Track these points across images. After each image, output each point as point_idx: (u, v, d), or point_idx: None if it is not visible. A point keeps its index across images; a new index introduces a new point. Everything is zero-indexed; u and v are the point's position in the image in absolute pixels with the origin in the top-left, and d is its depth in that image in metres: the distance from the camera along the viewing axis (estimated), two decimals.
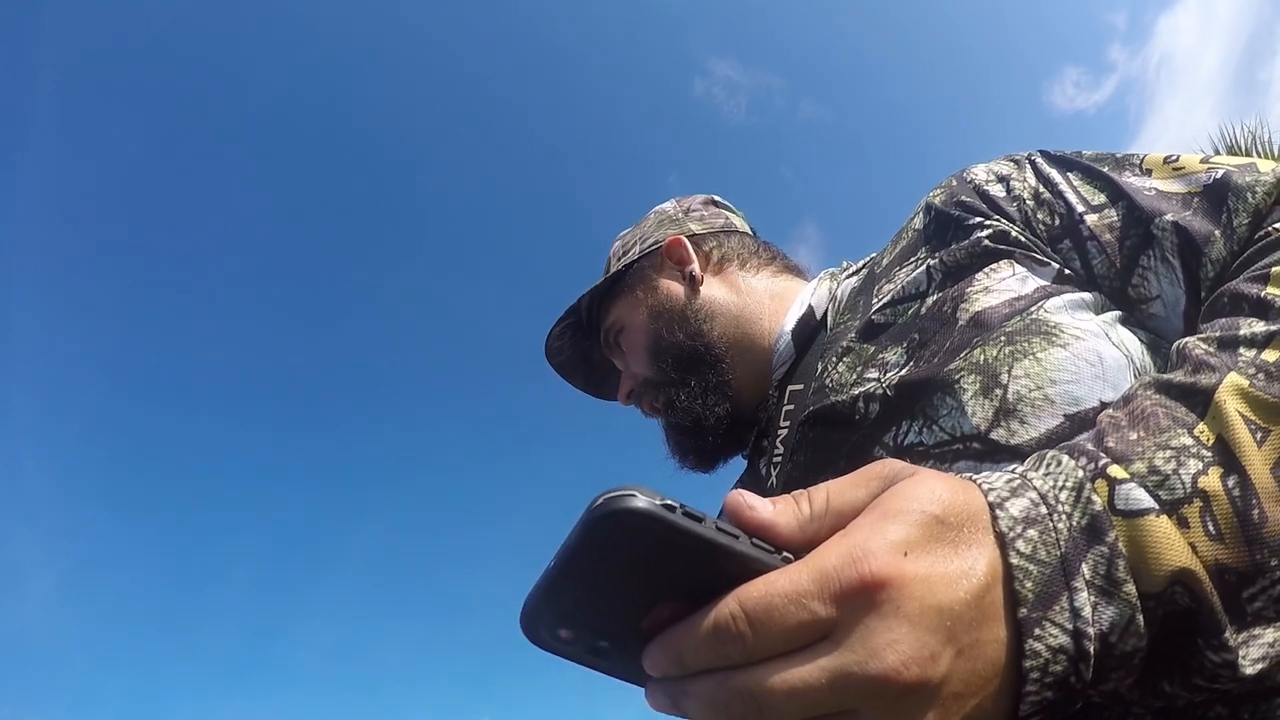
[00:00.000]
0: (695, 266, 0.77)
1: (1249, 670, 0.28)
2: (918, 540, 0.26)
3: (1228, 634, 0.28)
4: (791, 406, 0.62)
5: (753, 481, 0.68)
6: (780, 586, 0.25)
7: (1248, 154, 4.54)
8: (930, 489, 0.28)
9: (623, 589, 0.27)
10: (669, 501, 0.25)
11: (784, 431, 0.61)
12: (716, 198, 0.90)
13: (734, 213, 0.89)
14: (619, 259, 0.84)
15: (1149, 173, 0.53)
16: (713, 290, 0.76)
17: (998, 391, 0.46)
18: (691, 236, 0.80)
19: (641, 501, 0.25)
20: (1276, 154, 4.49)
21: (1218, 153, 4.65)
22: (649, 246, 0.81)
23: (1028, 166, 0.59)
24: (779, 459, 0.60)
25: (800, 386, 0.63)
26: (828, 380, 0.58)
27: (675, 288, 0.77)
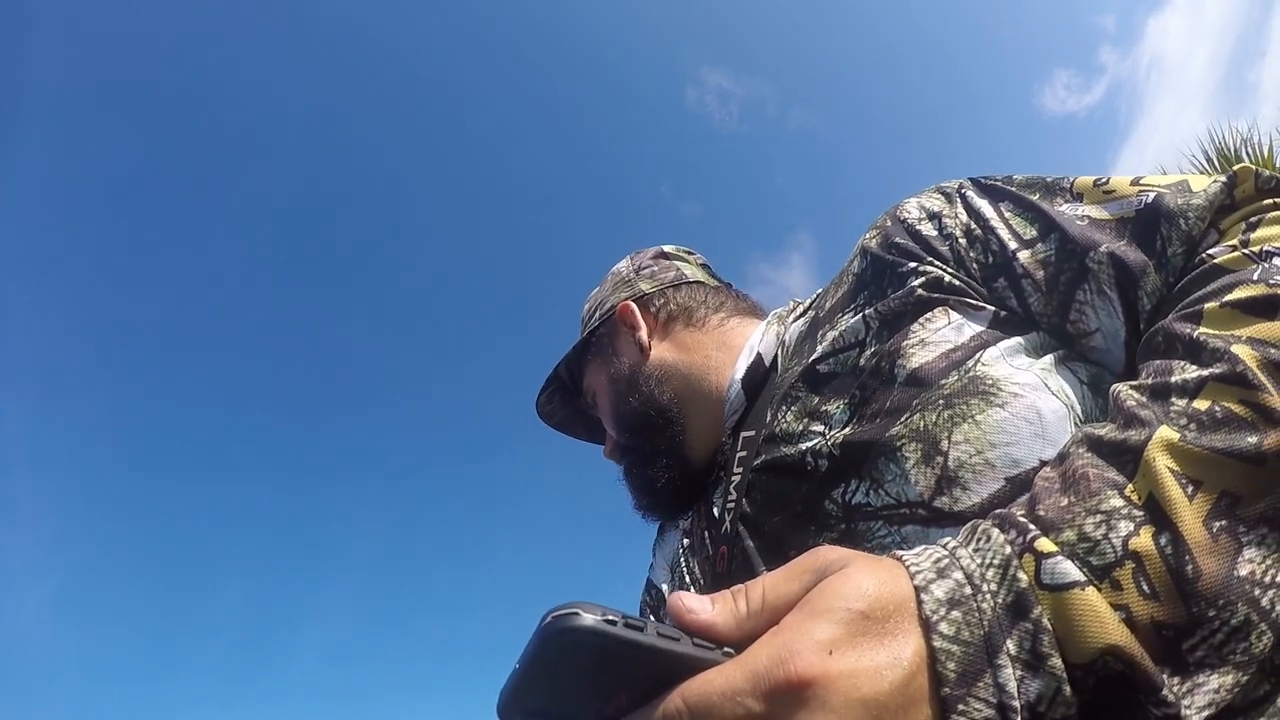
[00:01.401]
0: (644, 333, 0.80)
1: (1195, 718, 0.29)
2: (842, 638, 0.28)
3: (1165, 692, 0.29)
4: (745, 453, 0.64)
5: (709, 526, 0.69)
6: (716, 685, 0.27)
7: (1238, 157, 4.57)
8: (856, 585, 0.30)
9: (580, 689, 0.30)
10: (610, 615, 0.28)
11: (737, 477, 0.63)
12: (667, 248, 0.93)
13: (686, 260, 0.92)
14: (585, 323, 0.89)
15: (1080, 197, 0.53)
16: (662, 353, 0.79)
17: (939, 459, 0.47)
18: (641, 298, 0.84)
19: (585, 620, 0.28)
20: (1266, 156, 4.50)
21: (1207, 158, 4.72)
22: (606, 312, 0.85)
23: (958, 200, 0.59)
24: (733, 504, 0.61)
25: (752, 433, 0.64)
26: (777, 429, 0.59)
27: (628, 354, 0.81)
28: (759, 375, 0.69)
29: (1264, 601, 0.30)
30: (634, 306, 0.82)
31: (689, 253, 0.94)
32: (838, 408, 0.55)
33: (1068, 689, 0.28)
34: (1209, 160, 4.69)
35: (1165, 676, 0.29)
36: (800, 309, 0.73)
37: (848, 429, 0.53)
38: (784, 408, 0.59)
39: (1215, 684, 0.29)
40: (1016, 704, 0.28)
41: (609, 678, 0.29)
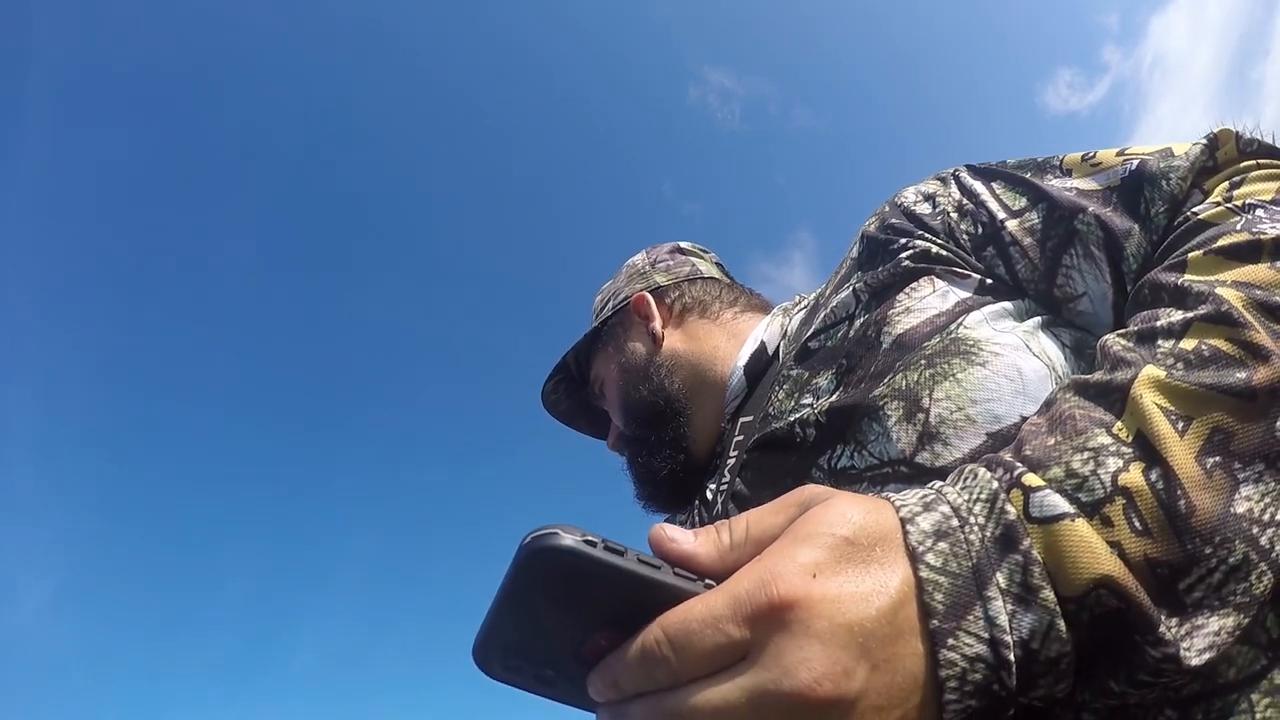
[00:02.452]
0: (657, 323, 0.81)
1: (1194, 661, 0.28)
2: (826, 562, 0.27)
3: (1162, 629, 0.28)
4: (741, 437, 0.64)
5: (702, 506, 0.69)
6: (696, 612, 0.27)
7: None
8: (841, 512, 0.29)
9: (558, 621, 0.29)
10: (590, 538, 0.27)
11: (732, 460, 0.63)
12: (684, 245, 0.95)
13: (701, 257, 0.93)
14: (597, 314, 0.90)
15: (1069, 173, 0.54)
16: (674, 343, 0.80)
17: (920, 416, 0.47)
18: (656, 290, 0.85)
19: (564, 540, 0.27)
20: None
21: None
22: (619, 303, 0.86)
23: (952, 182, 0.61)
24: (725, 485, 0.62)
25: (750, 418, 0.65)
26: (770, 408, 0.60)
27: (640, 344, 0.81)
28: (761, 362, 0.70)
29: (1263, 540, 0.29)
30: (649, 298, 0.83)
31: (704, 250, 0.96)
32: (826, 379, 0.56)
33: (1062, 624, 0.27)
34: None
35: (1162, 616, 0.28)
36: (805, 301, 0.74)
37: (834, 396, 0.53)
38: (777, 388, 0.60)
39: (1215, 626, 0.28)
40: (1009, 639, 0.27)
41: (587, 607, 0.28)
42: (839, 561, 0.28)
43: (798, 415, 0.55)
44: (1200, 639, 0.28)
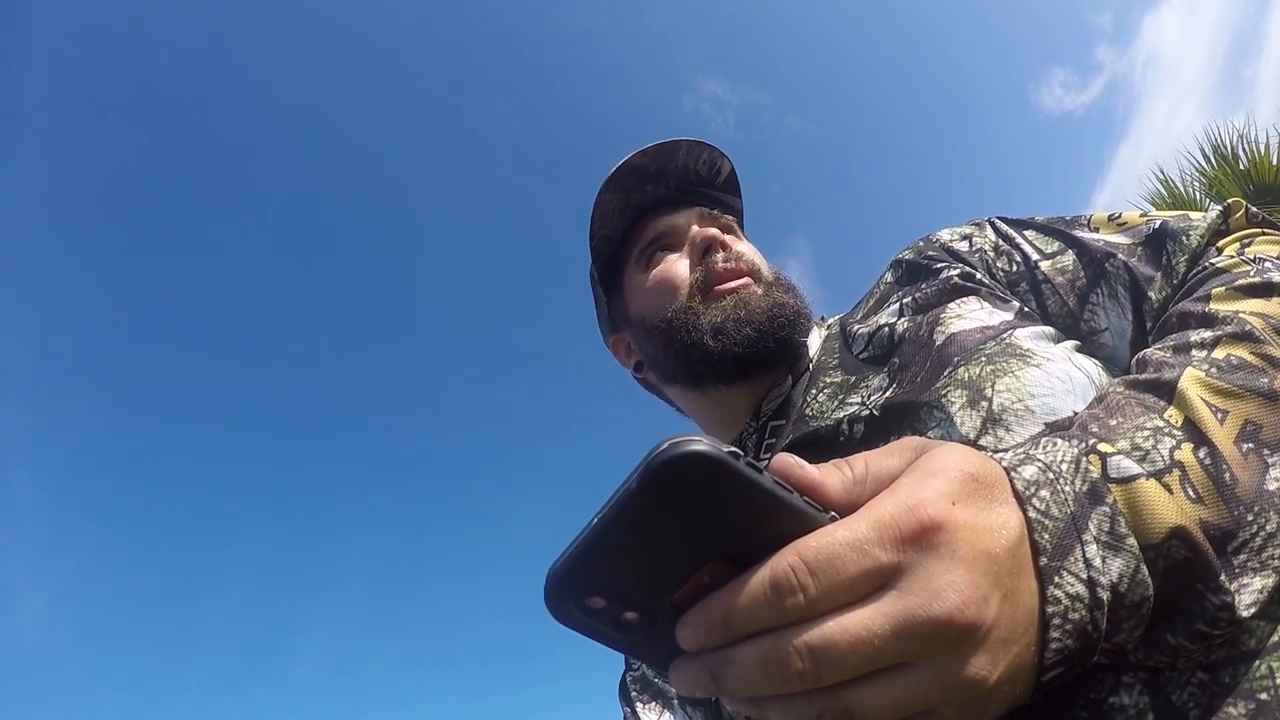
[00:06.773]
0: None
1: (1244, 613, 0.32)
2: (960, 493, 0.29)
3: (1223, 577, 0.32)
4: (773, 440, 0.66)
5: None
6: (840, 536, 0.26)
7: (1234, 154, 4.64)
8: (961, 453, 0.31)
9: (671, 545, 0.25)
10: (734, 449, 0.25)
11: (765, 461, 0.64)
12: None
13: None
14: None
15: (1097, 230, 0.62)
16: None
17: (983, 404, 0.50)
18: None
19: (707, 446, 0.24)
20: (1264, 153, 4.57)
21: (1205, 156, 4.80)
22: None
23: (988, 227, 0.69)
24: None
25: (782, 422, 0.67)
26: (808, 410, 0.62)
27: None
28: (798, 369, 0.72)
29: None
30: None
31: None
32: (877, 379, 0.58)
33: (1145, 569, 0.31)
34: (1207, 158, 4.75)
35: (1222, 568, 0.32)
36: (830, 321, 0.77)
37: (889, 393, 0.56)
38: (814, 391, 0.63)
39: (1259, 584, 0.33)
40: (1104, 580, 0.30)
41: (713, 529, 0.25)
42: (970, 495, 0.29)
43: (846, 413, 0.57)
44: (1248, 595, 0.33)
